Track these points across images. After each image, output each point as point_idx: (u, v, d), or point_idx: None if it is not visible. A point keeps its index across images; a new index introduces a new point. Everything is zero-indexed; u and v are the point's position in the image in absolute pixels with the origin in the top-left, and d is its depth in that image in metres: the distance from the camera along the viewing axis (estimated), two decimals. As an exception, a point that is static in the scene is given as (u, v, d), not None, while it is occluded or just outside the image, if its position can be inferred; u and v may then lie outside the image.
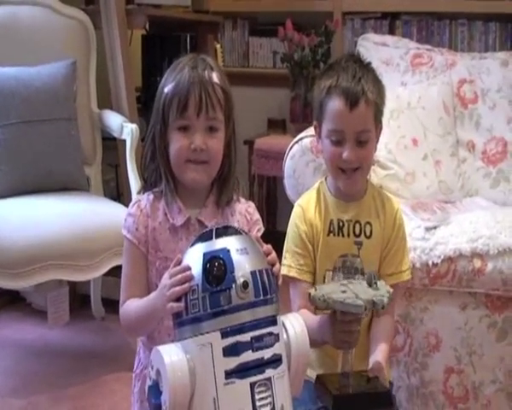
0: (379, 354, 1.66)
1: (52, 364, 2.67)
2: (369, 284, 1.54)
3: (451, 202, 2.65)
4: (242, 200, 1.55)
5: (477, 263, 2.19)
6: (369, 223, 1.74)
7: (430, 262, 2.21)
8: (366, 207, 1.76)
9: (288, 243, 1.77)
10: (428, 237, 2.24)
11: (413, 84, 2.95)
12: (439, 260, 2.20)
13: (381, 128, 1.76)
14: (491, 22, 3.67)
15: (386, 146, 2.60)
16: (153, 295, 1.35)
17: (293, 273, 1.73)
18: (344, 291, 1.51)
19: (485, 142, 2.84)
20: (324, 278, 1.72)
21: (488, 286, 2.19)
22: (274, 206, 4.04)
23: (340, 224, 1.74)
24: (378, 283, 1.55)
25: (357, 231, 1.73)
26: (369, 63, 1.78)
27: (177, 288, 1.24)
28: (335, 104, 1.66)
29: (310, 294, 1.53)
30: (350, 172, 1.69)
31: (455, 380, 2.26)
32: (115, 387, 2.48)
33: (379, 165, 2.56)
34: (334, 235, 1.74)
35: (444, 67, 2.99)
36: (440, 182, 2.69)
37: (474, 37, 3.74)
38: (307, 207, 1.77)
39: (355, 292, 1.50)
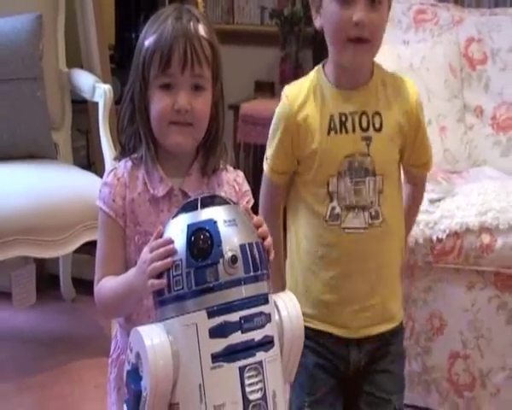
0: None
1: (17, 350, 2.68)
2: None
3: (457, 172, 2.67)
4: (230, 169, 1.54)
5: (486, 239, 2.21)
6: (378, 113, 1.64)
7: (434, 237, 2.23)
8: (373, 94, 1.65)
9: (270, 147, 1.72)
10: (432, 210, 2.26)
11: (416, 43, 2.95)
12: (444, 235, 2.23)
13: (389, 5, 1.63)
14: (502, -25, 3.67)
15: (386, 110, 2.60)
16: (131, 271, 1.34)
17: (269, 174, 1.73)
18: None
19: (495, 106, 2.86)
20: (328, 184, 1.63)
21: (498, 264, 2.21)
22: (261, 177, 4.03)
23: (343, 118, 1.63)
24: None
25: (365, 125, 1.63)
26: None
27: (159, 263, 1.23)
28: None
29: None
30: (359, 43, 1.56)
31: (461, 366, 2.29)
32: (87, 374, 2.49)
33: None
34: (336, 132, 1.63)
35: (450, 24, 3.00)
36: (445, 150, 2.71)
37: (484, -9, 3.73)
38: (295, 99, 1.65)
39: None
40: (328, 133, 1.63)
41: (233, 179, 1.52)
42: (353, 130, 1.62)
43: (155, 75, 1.41)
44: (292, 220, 1.73)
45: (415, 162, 1.72)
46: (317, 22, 1.66)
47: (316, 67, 1.70)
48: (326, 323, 1.68)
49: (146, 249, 1.27)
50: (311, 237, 1.66)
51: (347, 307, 1.66)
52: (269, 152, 1.72)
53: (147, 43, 1.42)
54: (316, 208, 1.65)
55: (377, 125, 1.63)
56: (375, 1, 1.56)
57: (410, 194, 1.78)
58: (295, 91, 1.67)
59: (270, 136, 1.71)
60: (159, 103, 1.41)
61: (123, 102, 1.49)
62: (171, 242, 1.23)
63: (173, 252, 1.22)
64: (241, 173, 1.55)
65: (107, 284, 1.42)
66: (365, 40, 1.57)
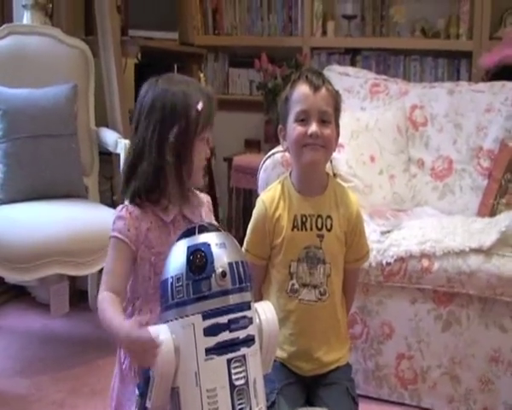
0: None
1: (54, 349, 2.67)
2: None
3: (403, 210, 2.68)
4: (201, 193, 1.58)
5: (425, 263, 2.22)
6: (329, 217, 1.71)
7: (384, 262, 2.24)
8: (327, 202, 1.73)
9: (248, 236, 1.77)
10: (383, 240, 2.28)
11: (371, 109, 2.99)
12: (392, 260, 2.24)
13: (338, 133, 1.73)
14: (440, 58, 3.72)
15: (347, 162, 2.63)
16: (122, 323, 1.29)
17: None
18: None
19: (434, 160, 2.88)
20: (290, 267, 1.72)
21: (435, 283, 2.22)
22: (250, 215, 4.02)
23: (304, 219, 1.71)
24: None
25: (320, 225, 1.71)
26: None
27: (132, 353, 1.27)
28: (301, 89, 1.68)
29: None
30: (314, 147, 1.66)
31: (406, 365, 2.30)
32: (110, 368, 2.39)
33: (341, 178, 2.57)
34: (298, 230, 1.71)
35: (398, 94, 3.04)
36: (394, 193, 2.73)
37: (426, 70, 3.79)
38: (271, 205, 1.74)
39: None
40: (292, 230, 1.72)
41: (206, 200, 1.58)
42: (311, 228, 1.72)
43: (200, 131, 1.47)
44: (264, 290, 1.80)
45: (355, 256, 1.78)
46: (284, 145, 1.77)
47: (284, 175, 1.79)
48: (284, 361, 1.74)
49: (136, 333, 1.23)
50: (277, 304, 1.71)
51: (300, 357, 1.74)
52: (247, 240, 1.77)
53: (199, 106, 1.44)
54: (280, 283, 1.74)
55: (328, 226, 1.72)
56: (325, 121, 1.67)
57: (346, 285, 1.80)
58: (270, 199, 1.76)
59: (250, 230, 1.78)
60: (201, 153, 1.49)
61: (150, 155, 1.44)
62: (156, 346, 1.20)
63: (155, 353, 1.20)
64: (208, 197, 1.60)
65: (104, 305, 1.36)
66: (319, 147, 1.66)
